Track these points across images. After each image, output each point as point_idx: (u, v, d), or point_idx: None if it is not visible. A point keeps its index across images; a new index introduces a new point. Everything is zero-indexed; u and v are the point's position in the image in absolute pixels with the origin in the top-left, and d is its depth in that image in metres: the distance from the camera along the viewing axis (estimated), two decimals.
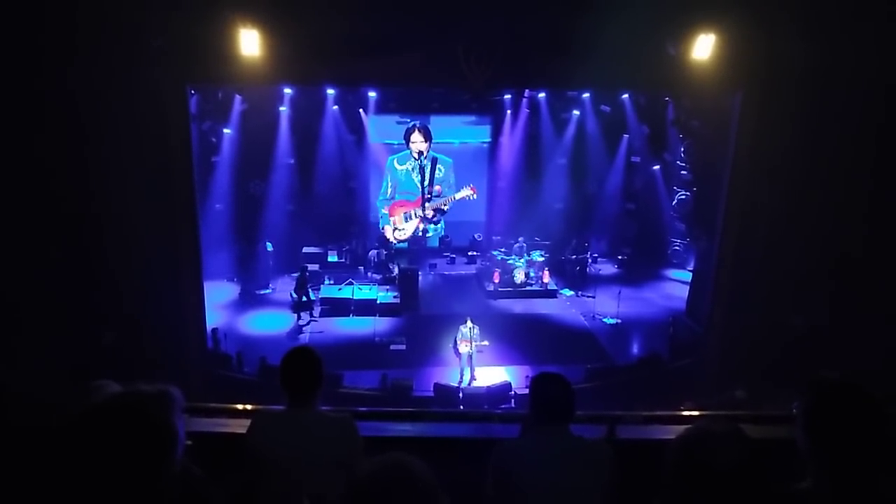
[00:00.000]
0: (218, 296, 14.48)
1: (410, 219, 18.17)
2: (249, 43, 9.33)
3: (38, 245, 9.06)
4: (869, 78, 8.97)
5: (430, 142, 17.67)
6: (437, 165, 18.05)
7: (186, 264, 10.72)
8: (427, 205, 18.00)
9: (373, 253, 16.97)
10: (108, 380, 2.93)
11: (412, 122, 17.46)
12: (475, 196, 17.86)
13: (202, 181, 13.72)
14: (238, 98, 14.64)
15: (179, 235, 10.50)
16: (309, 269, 15.07)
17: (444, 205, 18.18)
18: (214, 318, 12.74)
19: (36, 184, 9.01)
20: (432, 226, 18.46)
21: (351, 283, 15.22)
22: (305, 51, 9.60)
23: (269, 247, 16.06)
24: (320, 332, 13.64)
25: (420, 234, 18.28)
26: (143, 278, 9.92)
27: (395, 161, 18.03)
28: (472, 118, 18.03)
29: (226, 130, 15.04)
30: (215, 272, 14.73)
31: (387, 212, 18.11)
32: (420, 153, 17.59)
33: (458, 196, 17.90)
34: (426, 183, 17.91)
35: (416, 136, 17.49)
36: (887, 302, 9.16)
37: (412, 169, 17.96)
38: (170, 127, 10.01)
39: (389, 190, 18.17)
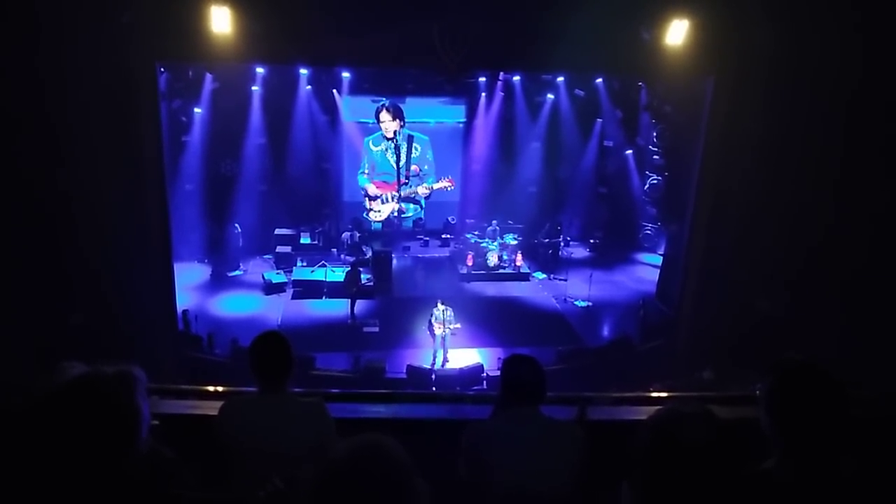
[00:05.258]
0: (189, 277, 14.32)
1: (387, 201, 18.06)
2: (220, 20, 9.16)
3: (5, 225, 8.86)
4: (840, 65, 9.08)
5: (402, 121, 17.46)
6: (414, 144, 17.89)
7: (156, 245, 10.57)
8: (402, 190, 17.87)
9: (346, 235, 16.88)
10: (76, 361, 2.89)
11: (381, 103, 17.25)
12: (452, 187, 17.74)
13: (172, 161, 13.49)
14: (209, 77, 14.40)
15: (149, 216, 10.33)
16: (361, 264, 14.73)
17: (415, 193, 18.06)
18: (185, 299, 12.61)
19: (1, 163, 8.79)
20: (412, 205, 18.34)
21: (324, 266, 15.14)
22: (278, 29, 9.45)
23: (238, 228, 15.90)
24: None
25: (396, 215, 18.18)
26: (113, 259, 9.76)
27: (370, 142, 17.83)
28: (448, 98, 17.91)
29: (196, 110, 14.82)
30: (186, 253, 14.59)
31: (365, 190, 18.00)
32: (395, 132, 17.45)
33: (435, 187, 17.75)
34: (401, 164, 17.79)
35: (385, 116, 17.26)
36: (852, 287, 9.35)
37: (386, 150, 17.81)
38: (139, 105, 9.80)
39: (367, 170, 18.01)
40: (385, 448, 1.59)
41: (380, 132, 17.59)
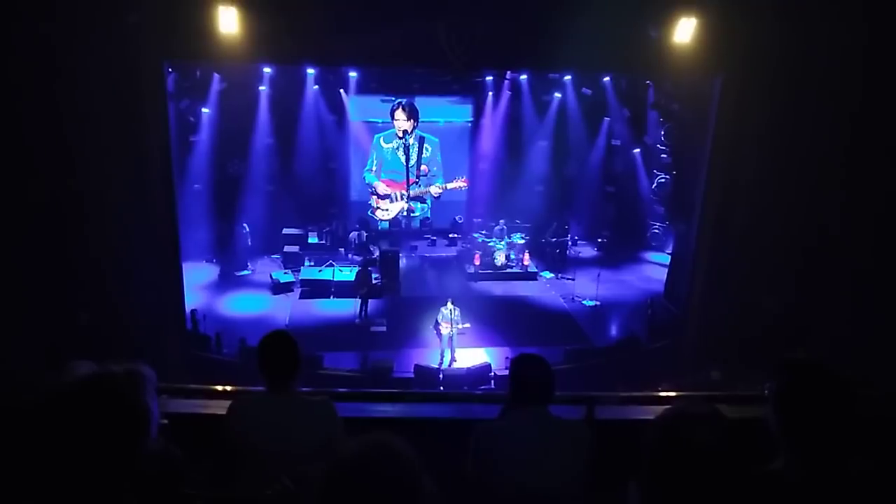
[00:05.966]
0: (197, 277, 14.36)
1: (395, 200, 18.11)
2: (228, 20, 9.16)
3: (14, 225, 8.90)
4: (847, 63, 9.03)
5: (416, 121, 17.52)
6: (425, 145, 17.96)
7: (164, 245, 10.59)
8: (413, 188, 17.93)
9: (353, 234, 16.90)
10: (85, 361, 2.90)
11: (397, 101, 17.33)
12: (466, 187, 17.82)
13: (180, 161, 13.56)
14: (217, 77, 14.46)
15: (157, 216, 10.35)
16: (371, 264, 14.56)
17: (427, 193, 18.11)
18: (193, 299, 12.64)
19: (10, 163, 8.83)
20: (419, 204, 18.39)
21: (331, 265, 15.17)
22: (285, 29, 9.45)
23: (245, 228, 15.95)
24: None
25: (405, 214, 18.24)
26: (121, 259, 9.79)
27: (381, 139, 17.88)
28: (456, 97, 17.93)
29: (204, 110, 14.87)
30: (194, 253, 14.63)
31: (374, 188, 18.05)
32: (405, 132, 17.48)
33: (449, 186, 17.84)
34: (412, 163, 17.83)
35: (399, 114, 17.35)
36: (860, 286, 9.31)
37: (397, 148, 17.86)
38: (146, 105, 9.81)
39: (374, 168, 18.05)
40: (393, 447, 1.60)
41: (392, 129, 17.63)
